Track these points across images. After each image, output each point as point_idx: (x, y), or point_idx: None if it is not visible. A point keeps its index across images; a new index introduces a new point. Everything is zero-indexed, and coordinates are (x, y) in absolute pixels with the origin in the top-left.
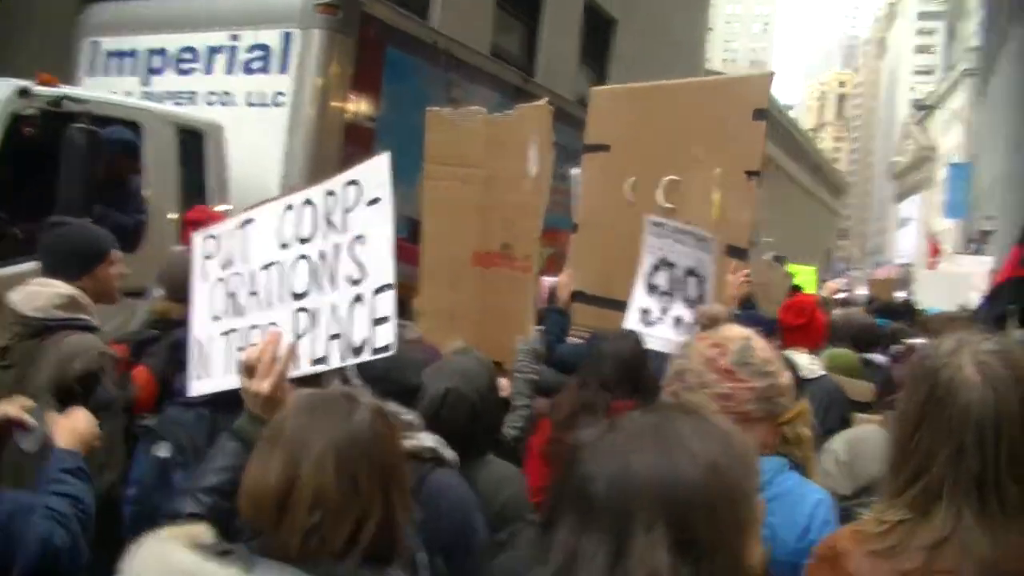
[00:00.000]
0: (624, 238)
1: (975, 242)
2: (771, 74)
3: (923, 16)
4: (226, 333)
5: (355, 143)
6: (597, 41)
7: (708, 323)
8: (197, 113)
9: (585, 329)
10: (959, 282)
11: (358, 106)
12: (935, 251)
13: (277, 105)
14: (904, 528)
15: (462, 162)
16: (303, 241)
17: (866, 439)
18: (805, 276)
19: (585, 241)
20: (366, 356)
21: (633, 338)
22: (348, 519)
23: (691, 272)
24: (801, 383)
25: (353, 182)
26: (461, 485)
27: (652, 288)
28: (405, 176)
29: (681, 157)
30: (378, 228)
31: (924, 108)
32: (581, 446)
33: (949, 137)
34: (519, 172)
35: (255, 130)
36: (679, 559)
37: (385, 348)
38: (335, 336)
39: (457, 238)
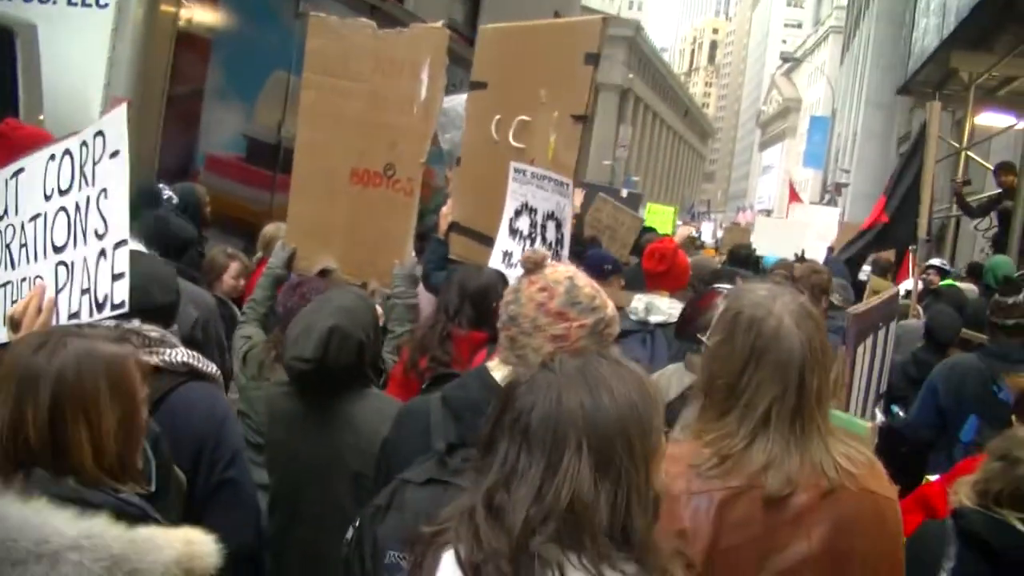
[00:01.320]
0: (491, 175)
1: (831, 192)
2: (603, 19)
3: None
4: (2, 286)
5: (189, 53)
6: None
7: (532, 267)
8: (6, 9)
9: (460, 259)
10: (795, 231)
11: (192, 13)
12: (795, 198)
13: (101, 6)
14: (735, 456)
15: (346, 75)
16: (62, 193)
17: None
18: (662, 216)
19: (464, 175)
20: (107, 312)
21: (488, 273)
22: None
23: (550, 216)
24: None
25: (100, 133)
26: (213, 397)
27: (514, 232)
28: (245, 92)
29: (533, 98)
30: (117, 181)
31: (791, 60)
32: (518, 383)
33: (813, 90)
34: (408, 94)
35: (75, 33)
36: (600, 476)
37: (121, 304)
38: (85, 291)
39: (335, 153)
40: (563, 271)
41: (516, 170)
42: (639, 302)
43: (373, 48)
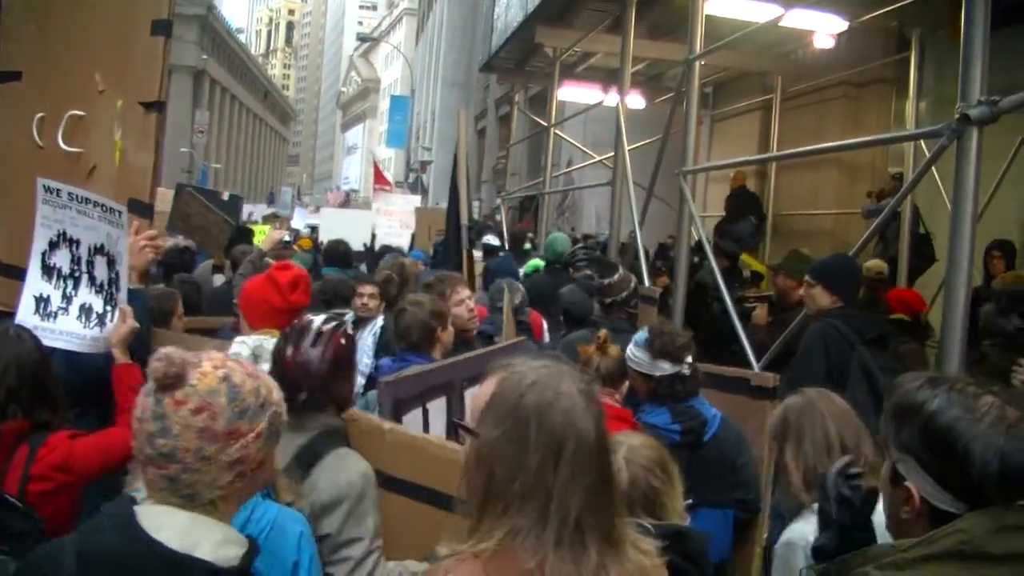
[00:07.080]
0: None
1: (416, 171)
2: None
3: None
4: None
5: None
6: None
7: (171, 382)
8: None
9: (3, 307)
10: (360, 220)
11: None
12: (380, 178)
13: None
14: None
15: None
16: None
17: None
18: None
19: None
20: None
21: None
22: None
23: (99, 250)
24: None
25: None
26: None
27: (49, 270)
28: None
29: (86, 87)
30: None
31: (368, 41)
32: None
33: (391, 71)
34: None
35: None
36: None
37: None
38: None
39: None
40: (213, 373)
41: (46, 189)
42: (242, 346)
43: None
